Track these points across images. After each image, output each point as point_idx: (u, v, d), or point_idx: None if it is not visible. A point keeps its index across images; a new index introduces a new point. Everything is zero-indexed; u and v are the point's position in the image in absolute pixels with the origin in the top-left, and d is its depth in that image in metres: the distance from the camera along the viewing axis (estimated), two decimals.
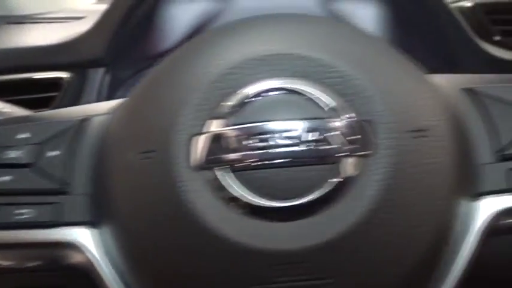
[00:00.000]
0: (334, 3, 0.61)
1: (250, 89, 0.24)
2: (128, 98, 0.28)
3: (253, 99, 0.24)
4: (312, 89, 0.23)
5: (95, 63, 0.52)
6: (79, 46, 0.51)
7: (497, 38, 0.60)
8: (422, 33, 0.60)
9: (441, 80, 0.28)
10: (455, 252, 0.24)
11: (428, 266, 0.23)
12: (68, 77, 0.51)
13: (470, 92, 0.27)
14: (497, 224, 0.24)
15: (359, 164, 0.22)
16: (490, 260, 0.25)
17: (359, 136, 0.22)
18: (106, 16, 0.51)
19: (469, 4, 0.62)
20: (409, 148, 0.22)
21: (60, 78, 0.51)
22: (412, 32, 0.61)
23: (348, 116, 0.23)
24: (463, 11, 0.62)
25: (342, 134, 0.22)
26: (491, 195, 0.25)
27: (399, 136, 0.22)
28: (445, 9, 0.57)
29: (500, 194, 0.25)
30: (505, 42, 0.60)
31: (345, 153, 0.22)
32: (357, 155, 0.22)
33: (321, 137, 0.22)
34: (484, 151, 0.25)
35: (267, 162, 0.22)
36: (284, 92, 0.24)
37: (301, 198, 0.22)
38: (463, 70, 0.58)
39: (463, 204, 0.24)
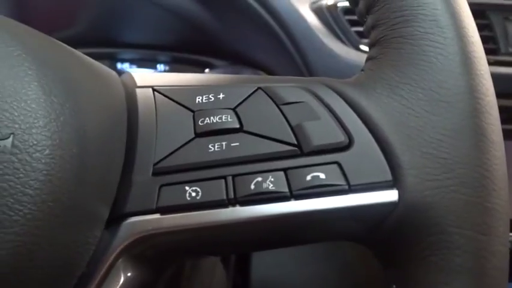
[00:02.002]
0: None
1: None
2: None
3: None
4: None
5: None
6: None
7: (354, 38, 0.61)
8: (271, 35, 0.60)
9: (137, 77, 0.25)
10: (93, 276, 0.20)
11: None
12: None
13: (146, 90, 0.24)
14: (135, 249, 0.21)
15: None
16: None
17: None
18: None
19: (330, 3, 0.63)
20: None
21: None
22: (260, 32, 0.60)
23: None
24: (322, 10, 0.62)
25: None
26: (137, 216, 0.21)
27: None
28: (293, 9, 0.57)
29: (146, 215, 0.21)
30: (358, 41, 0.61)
31: None
32: None
33: None
34: (145, 164, 0.21)
35: None
36: None
37: None
38: (313, 71, 0.60)
39: (105, 227, 0.20)
